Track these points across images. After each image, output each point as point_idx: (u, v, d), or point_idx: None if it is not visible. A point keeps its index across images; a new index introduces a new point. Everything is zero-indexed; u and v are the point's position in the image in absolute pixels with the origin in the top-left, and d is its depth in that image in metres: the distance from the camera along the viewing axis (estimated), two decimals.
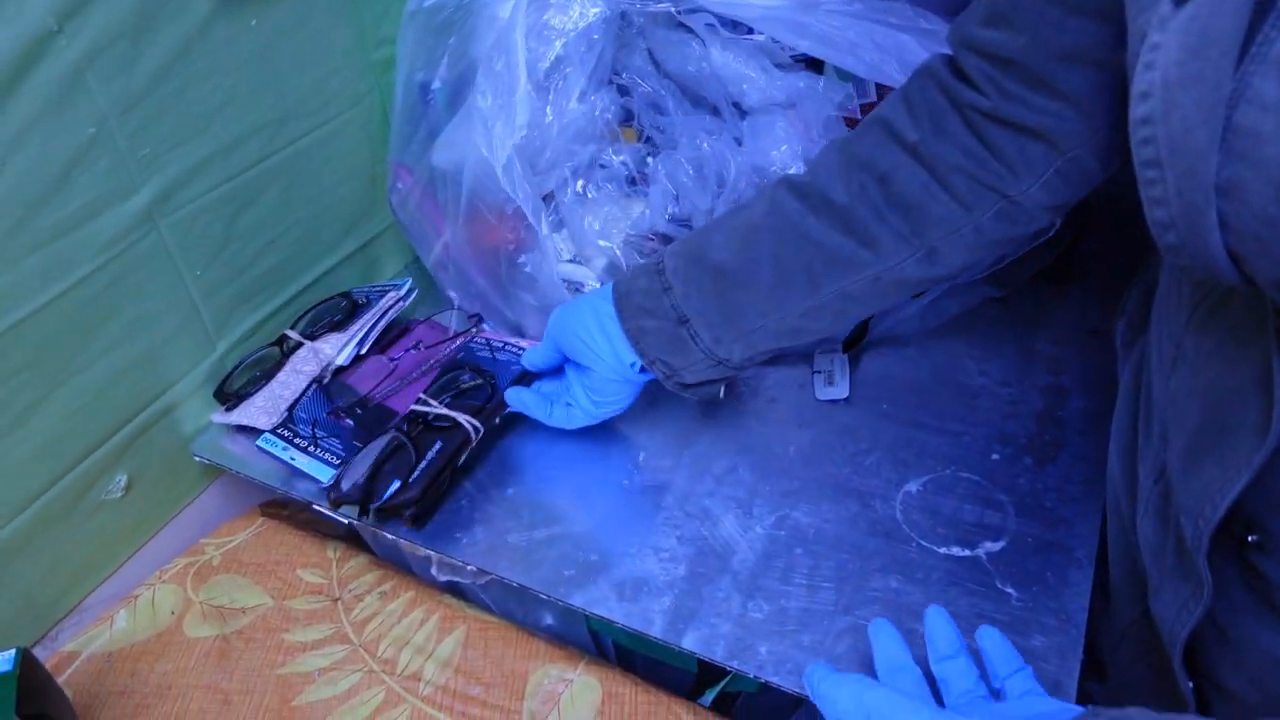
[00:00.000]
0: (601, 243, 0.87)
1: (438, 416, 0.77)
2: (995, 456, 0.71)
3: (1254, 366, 0.41)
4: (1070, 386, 0.77)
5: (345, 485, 0.73)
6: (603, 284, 0.87)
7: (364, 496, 0.72)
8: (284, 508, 0.88)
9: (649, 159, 0.91)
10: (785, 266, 0.62)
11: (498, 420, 0.78)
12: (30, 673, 0.59)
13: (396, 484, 0.72)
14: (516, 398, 0.76)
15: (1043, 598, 0.61)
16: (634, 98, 0.90)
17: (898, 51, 0.78)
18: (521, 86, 0.76)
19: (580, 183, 0.88)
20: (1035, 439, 0.72)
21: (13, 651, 0.58)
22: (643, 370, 0.68)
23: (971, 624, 0.60)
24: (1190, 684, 0.51)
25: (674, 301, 0.65)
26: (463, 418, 0.76)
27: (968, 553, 0.65)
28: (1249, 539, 0.45)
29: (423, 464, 0.74)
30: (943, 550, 0.65)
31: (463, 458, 0.76)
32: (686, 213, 0.88)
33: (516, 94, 0.76)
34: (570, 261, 0.88)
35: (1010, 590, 0.62)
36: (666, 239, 0.89)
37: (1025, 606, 0.61)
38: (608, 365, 0.68)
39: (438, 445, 0.75)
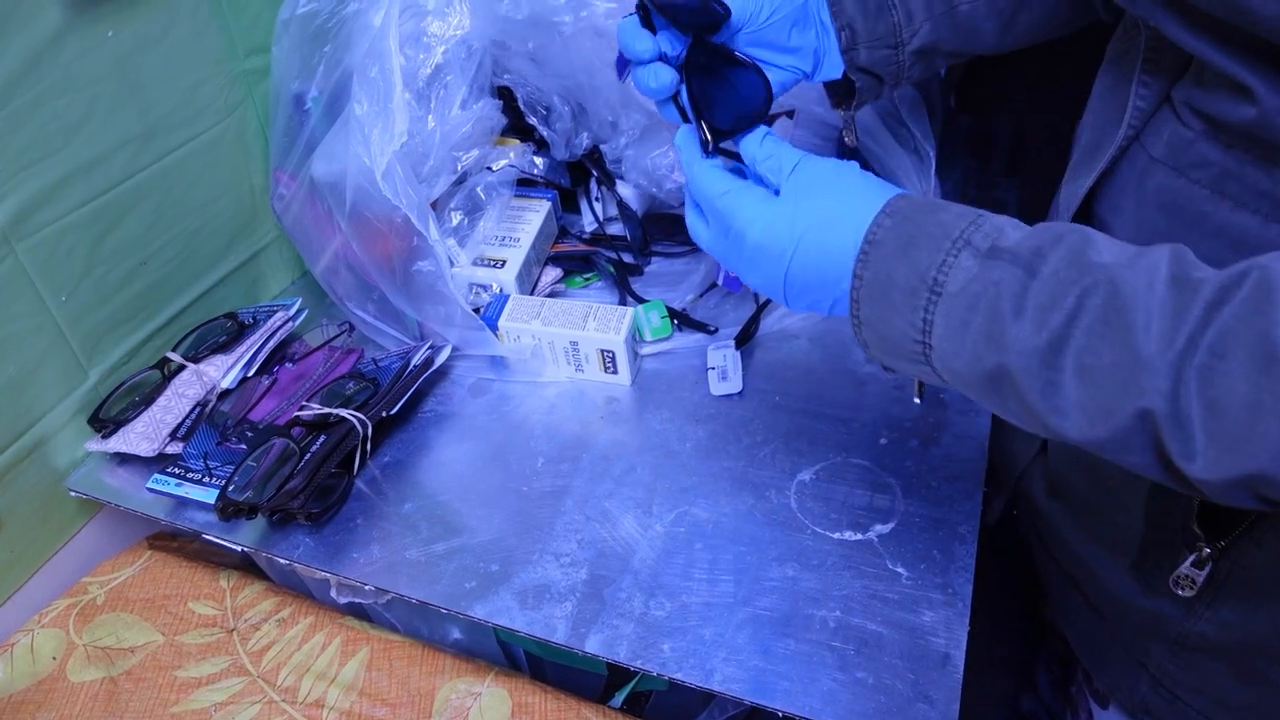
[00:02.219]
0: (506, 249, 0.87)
1: (318, 417, 0.76)
2: (883, 441, 0.74)
3: (1124, 99, 0.51)
4: None
5: (234, 493, 0.71)
6: (518, 286, 0.87)
7: (253, 500, 0.70)
8: (173, 539, 0.84)
9: (536, 159, 0.91)
10: None
11: (385, 414, 0.77)
12: None
13: (284, 480, 0.71)
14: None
15: (930, 575, 0.63)
16: (519, 99, 0.89)
17: None
18: (398, 93, 0.75)
19: (480, 187, 0.88)
20: (920, 421, 0.75)
21: None
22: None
23: (865, 605, 0.62)
24: None
25: None
26: (345, 412, 0.75)
27: (860, 536, 0.67)
28: None
29: (306, 457, 0.73)
30: (836, 535, 0.67)
31: (355, 451, 0.75)
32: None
33: (393, 100, 0.75)
34: (481, 265, 0.87)
35: (901, 570, 0.64)
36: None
37: (915, 584, 0.63)
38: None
39: (321, 439, 0.74)
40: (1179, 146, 0.47)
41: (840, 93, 0.65)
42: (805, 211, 0.48)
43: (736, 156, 0.55)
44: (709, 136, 0.54)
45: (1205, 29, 0.42)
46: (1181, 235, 0.45)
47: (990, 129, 1.10)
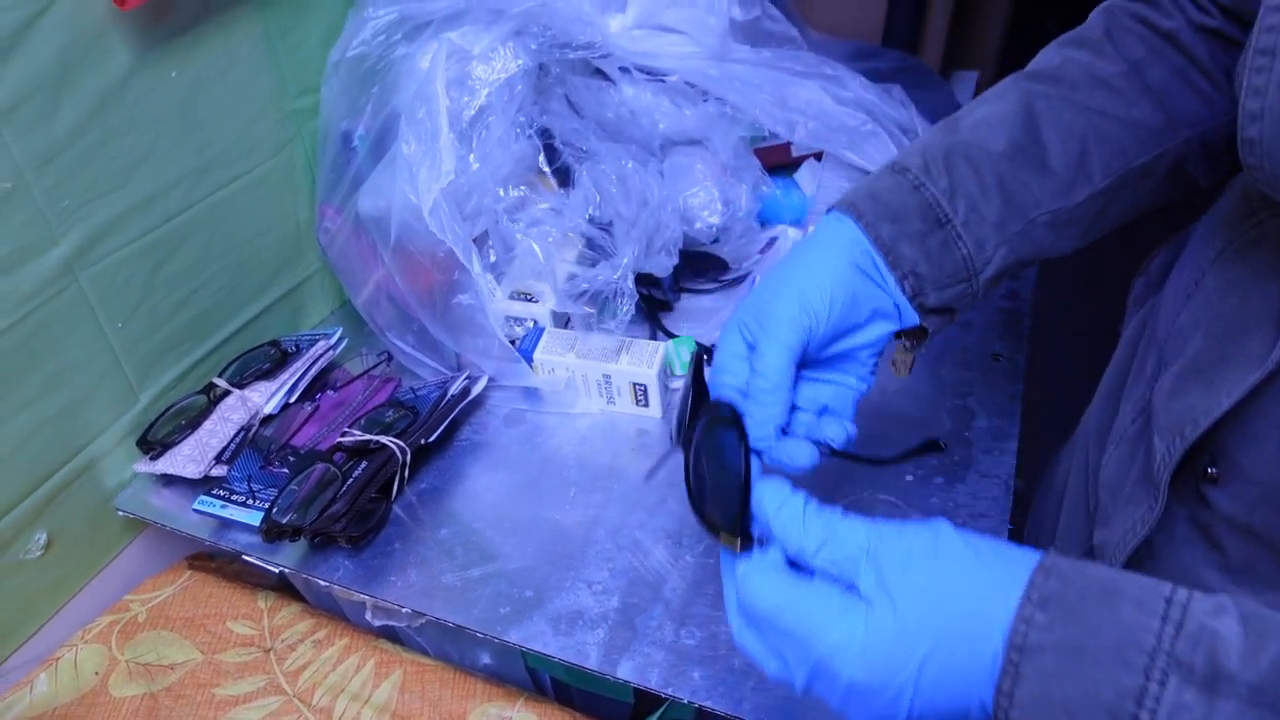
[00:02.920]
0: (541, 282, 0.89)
1: (360, 443, 0.78)
2: (909, 478, 0.75)
3: (1267, 301, 0.43)
4: (976, 408, 0.82)
5: (278, 515, 0.73)
6: (553, 320, 0.89)
7: (296, 523, 0.72)
8: (212, 560, 0.87)
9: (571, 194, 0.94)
10: (1071, 145, 0.53)
11: (424, 442, 0.79)
12: None
13: (327, 504, 0.73)
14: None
15: None
16: (555, 137, 0.93)
17: (800, 99, 0.83)
18: (444, 134, 0.78)
19: (522, 222, 0.90)
20: (945, 459, 0.76)
21: None
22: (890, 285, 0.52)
23: None
24: None
25: (931, 197, 0.52)
26: (386, 439, 0.78)
27: None
28: (1209, 470, 0.46)
29: (348, 481, 0.75)
30: None
31: (395, 478, 0.77)
32: (607, 217, 0.90)
33: (440, 140, 0.78)
34: (516, 299, 0.90)
35: None
36: (591, 245, 0.90)
37: None
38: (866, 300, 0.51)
39: (363, 465, 0.77)
40: None
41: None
42: (915, 623, 0.35)
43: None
44: (734, 544, 0.42)
45: None
46: None
47: None
